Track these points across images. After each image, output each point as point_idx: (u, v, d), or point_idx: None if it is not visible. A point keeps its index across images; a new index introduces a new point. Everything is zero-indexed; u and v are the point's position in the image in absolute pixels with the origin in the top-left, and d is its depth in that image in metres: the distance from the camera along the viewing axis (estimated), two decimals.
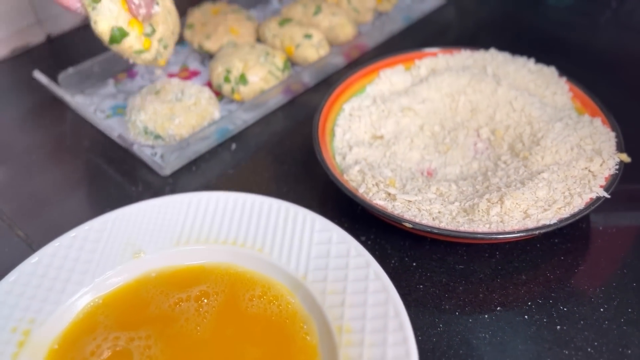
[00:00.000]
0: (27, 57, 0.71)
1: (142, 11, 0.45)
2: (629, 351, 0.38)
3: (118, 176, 0.53)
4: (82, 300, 0.40)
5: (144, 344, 0.38)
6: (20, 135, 0.58)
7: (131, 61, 0.48)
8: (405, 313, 0.36)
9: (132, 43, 0.46)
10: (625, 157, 0.45)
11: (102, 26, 0.45)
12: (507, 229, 0.40)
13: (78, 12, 0.46)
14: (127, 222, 0.43)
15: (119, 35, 0.45)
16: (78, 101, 0.60)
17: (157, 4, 0.47)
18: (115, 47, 0.47)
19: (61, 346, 0.38)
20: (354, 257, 0.40)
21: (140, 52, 0.47)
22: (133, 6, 0.45)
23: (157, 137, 0.53)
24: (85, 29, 0.75)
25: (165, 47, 0.49)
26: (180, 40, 0.69)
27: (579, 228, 0.46)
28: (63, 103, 0.61)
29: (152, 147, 0.54)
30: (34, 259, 0.41)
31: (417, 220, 0.41)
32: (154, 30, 0.47)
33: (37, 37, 0.72)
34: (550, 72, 0.55)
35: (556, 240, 0.45)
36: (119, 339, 0.38)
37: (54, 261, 0.41)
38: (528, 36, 0.72)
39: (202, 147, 0.55)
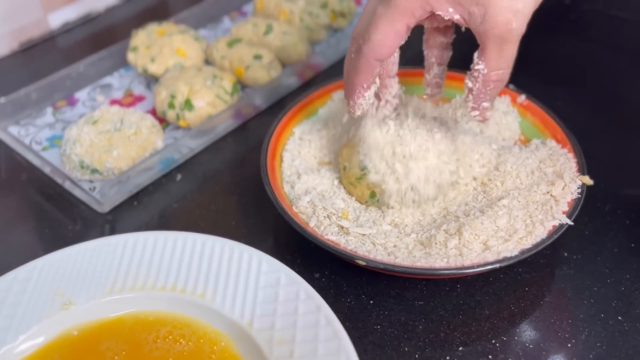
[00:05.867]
0: None
1: None
2: None
3: (54, 213, 0.49)
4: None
5: None
6: None
7: None
8: None
9: None
10: (587, 180, 0.42)
11: None
12: (466, 262, 0.37)
13: None
14: (56, 269, 0.40)
15: None
16: (12, 132, 0.56)
17: None
18: None
19: None
20: (303, 301, 0.37)
21: None
22: None
23: (94, 171, 0.49)
24: (21, 53, 0.70)
25: None
26: (124, 64, 0.65)
27: (543, 255, 0.44)
28: None
29: (91, 181, 0.50)
30: None
31: (371, 256, 0.39)
32: None
33: None
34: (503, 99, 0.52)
35: (520, 270, 0.43)
36: None
37: None
38: None
39: (145, 179, 0.51)
